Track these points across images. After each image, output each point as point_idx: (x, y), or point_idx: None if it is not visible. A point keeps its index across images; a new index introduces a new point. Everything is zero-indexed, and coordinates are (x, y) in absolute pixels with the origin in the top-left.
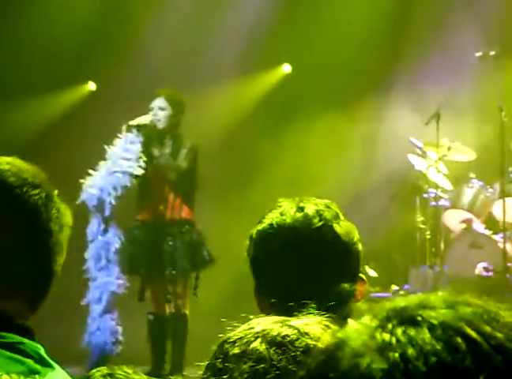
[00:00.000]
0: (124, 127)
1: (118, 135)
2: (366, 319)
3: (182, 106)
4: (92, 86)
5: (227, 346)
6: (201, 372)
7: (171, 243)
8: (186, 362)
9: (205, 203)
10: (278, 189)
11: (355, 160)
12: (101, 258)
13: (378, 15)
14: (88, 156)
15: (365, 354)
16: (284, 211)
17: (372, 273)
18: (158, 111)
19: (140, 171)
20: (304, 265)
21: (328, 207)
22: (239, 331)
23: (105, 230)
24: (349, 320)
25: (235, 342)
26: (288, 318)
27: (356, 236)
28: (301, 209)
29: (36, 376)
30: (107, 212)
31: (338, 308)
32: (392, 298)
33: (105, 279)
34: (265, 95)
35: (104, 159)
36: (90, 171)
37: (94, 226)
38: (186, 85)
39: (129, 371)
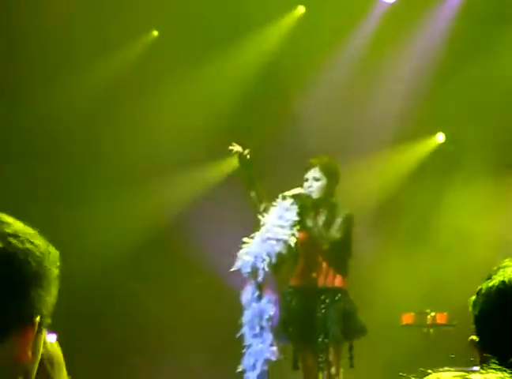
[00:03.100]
0: (279, 196)
1: (273, 203)
2: None
3: (337, 175)
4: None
5: None
6: None
7: (323, 311)
8: None
9: (362, 270)
10: (440, 253)
11: None
12: (256, 325)
13: None
14: (243, 224)
15: None
16: None
17: None
18: (313, 182)
19: (294, 240)
20: None
21: None
22: None
23: (259, 297)
24: None
25: None
26: (468, 373)
27: None
28: None
29: None
30: (261, 279)
31: None
32: None
33: (260, 346)
34: (422, 160)
35: (260, 227)
36: (245, 239)
37: (249, 293)
38: (338, 152)
39: None
